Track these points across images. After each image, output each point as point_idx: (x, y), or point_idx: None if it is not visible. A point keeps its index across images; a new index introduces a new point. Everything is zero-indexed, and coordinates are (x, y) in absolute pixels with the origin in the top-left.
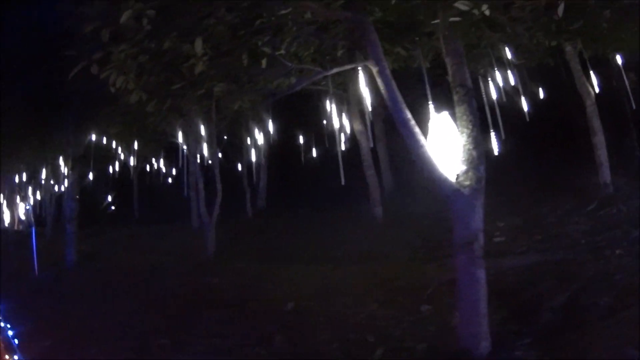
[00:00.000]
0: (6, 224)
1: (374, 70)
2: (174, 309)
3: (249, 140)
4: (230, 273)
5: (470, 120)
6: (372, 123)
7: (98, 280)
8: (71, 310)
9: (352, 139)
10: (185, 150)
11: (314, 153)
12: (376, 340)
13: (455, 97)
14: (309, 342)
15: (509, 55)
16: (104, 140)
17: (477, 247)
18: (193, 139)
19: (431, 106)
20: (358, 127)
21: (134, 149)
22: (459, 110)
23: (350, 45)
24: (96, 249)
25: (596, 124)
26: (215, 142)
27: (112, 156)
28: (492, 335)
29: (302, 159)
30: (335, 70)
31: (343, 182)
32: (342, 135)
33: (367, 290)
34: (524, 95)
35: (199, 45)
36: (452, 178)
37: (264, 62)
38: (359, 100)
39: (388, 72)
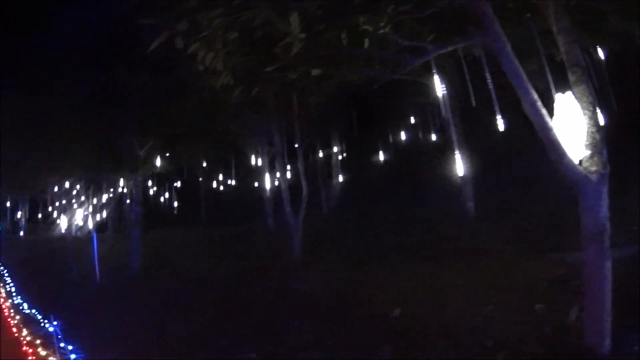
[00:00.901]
0: (62, 231)
1: (494, 47)
2: (260, 318)
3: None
4: (321, 277)
5: (590, 101)
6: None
7: (167, 287)
8: (139, 320)
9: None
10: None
11: (391, 148)
12: (495, 344)
13: (572, 78)
14: (422, 352)
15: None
16: (169, 141)
17: (606, 237)
18: (264, 135)
19: (552, 88)
20: (447, 117)
21: (201, 149)
22: (578, 91)
23: (441, 27)
24: (162, 253)
25: None
26: (301, 137)
27: (176, 157)
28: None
29: (379, 154)
30: (449, 47)
31: (462, 174)
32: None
33: (476, 290)
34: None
35: (295, 21)
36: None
37: (366, 41)
38: (446, 89)
39: (509, 49)
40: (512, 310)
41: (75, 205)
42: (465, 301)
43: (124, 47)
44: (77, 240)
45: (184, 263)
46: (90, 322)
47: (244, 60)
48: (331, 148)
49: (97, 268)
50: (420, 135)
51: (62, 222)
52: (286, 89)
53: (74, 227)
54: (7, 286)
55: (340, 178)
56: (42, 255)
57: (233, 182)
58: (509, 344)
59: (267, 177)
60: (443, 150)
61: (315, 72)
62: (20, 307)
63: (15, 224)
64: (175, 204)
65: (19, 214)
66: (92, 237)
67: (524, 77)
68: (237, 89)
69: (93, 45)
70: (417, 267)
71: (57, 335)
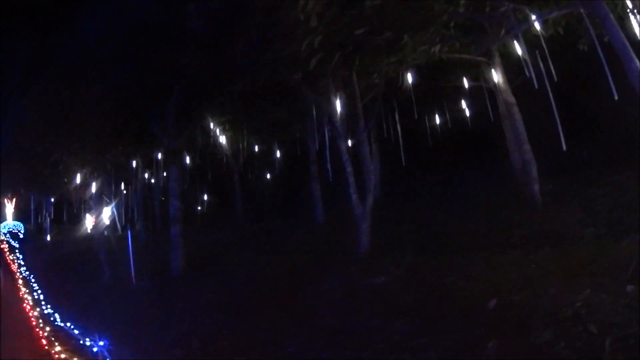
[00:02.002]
0: (89, 231)
1: (598, 15)
2: (332, 319)
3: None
4: (398, 269)
5: None
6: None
7: (217, 287)
8: (188, 326)
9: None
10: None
11: (444, 130)
12: (599, 330)
13: None
14: (530, 345)
15: None
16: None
17: None
18: (322, 116)
19: None
20: (508, 98)
21: (242, 137)
22: None
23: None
24: (204, 251)
25: None
26: (365, 118)
27: (214, 148)
28: None
29: (432, 136)
30: (553, 14)
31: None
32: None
33: (568, 275)
34: None
35: None
36: None
37: (462, 3)
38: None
39: (612, 16)
40: (607, 293)
41: (103, 204)
42: (560, 286)
43: (165, 25)
44: (107, 239)
45: (230, 261)
46: (132, 329)
47: (336, 20)
48: (387, 131)
49: (132, 269)
50: (475, 117)
51: (88, 222)
52: (368, 56)
53: (102, 227)
54: (35, 293)
55: (393, 162)
56: (70, 258)
57: (272, 174)
58: (613, 328)
59: (315, 165)
60: (501, 133)
61: (407, 38)
62: (51, 318)
63: (40, 226)
64: (212, 198)
65: (43, 215)
66: (125, 236)
67: (628, 45)
68: (317, 55)
69: (131, 23)
70: (498, 254)
71: (105, 358)
